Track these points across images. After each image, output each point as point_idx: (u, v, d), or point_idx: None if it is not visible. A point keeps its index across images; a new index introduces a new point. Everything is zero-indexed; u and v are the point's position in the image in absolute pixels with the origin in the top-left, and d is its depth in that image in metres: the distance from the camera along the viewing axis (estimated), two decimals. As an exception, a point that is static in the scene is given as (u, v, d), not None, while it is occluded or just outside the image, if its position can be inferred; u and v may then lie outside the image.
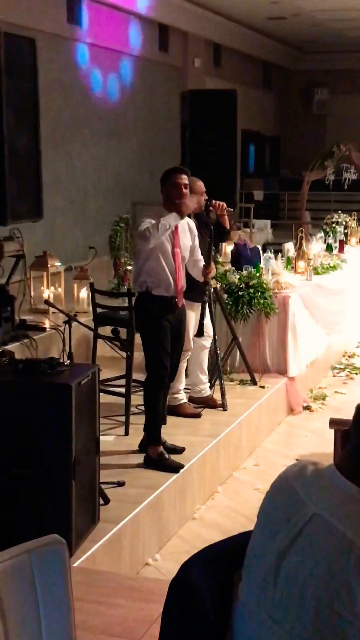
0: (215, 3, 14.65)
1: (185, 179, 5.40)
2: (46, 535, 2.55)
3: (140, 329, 5.56)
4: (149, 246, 5.24)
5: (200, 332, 6.27)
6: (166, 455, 5.42)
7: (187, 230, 5.62)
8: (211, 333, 6.63)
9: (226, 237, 6.84)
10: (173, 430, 6.01)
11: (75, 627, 2.63)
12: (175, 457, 5.49)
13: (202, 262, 5.88)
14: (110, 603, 3.87)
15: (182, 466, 5.40)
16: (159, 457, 5.39)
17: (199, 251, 5.82)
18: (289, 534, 2.10)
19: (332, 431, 3.93)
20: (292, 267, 8.77)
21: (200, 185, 6.21)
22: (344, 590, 1.97)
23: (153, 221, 5.22)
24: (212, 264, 6.07)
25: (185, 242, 5.59)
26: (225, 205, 6.36)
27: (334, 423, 3.86)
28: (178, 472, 5.35)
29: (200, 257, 5.88)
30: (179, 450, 5.63)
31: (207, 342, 6.61)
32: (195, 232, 5.74)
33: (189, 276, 5.77)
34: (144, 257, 5.37)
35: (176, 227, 5.42)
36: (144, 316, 5.46)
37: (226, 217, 6.41)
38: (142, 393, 6.04)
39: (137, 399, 6.16)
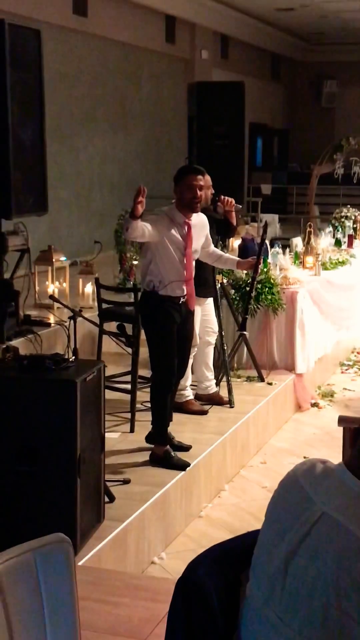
0: (223, -6, 14.67)
1: (201, 180, 5.29)
2: (51, 533, 2.55)
3: (146, 328, 5.52)
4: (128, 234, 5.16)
5: (242, 326, 6.44)
6: (172, 454, 5.42)
7: (200, 227, 5.51)
8: (217, 329, 6.63)
9: (232, 233, 6.83)
10: (179, 427, 6.01)
11: (80, 627, 2.64)
12: (181, 455, 5.50)
13: (225, 254, 5.94)
14: (115, 602, 3.87)
15: (188, 464, 5.40)
16: (165, 455, 5.40)
17: (212, 244, 5.80)
18: (298, 533, 2.10)
19: (341, 429, 3.93)
20: (301, 262, 8.76)
21: (207, 178, 6.19)
22: (352, 591, 1.97)
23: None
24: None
25: (199, 239, 5.51)
26: (233, 201, 6.34)
27: (342, 421, 3.85)
28: (184, 470, 5.35)
29: (216, 249, 5.89)
30: (186, 448, 5.63)
31: (212, 338, 6.61)
32: (208, 228, 5.69)
33: (196, 271, 5.76)
34: (150, 256, 5.32)
35: (189, 226, 5.35)
36: (150, 317, 5.42)
37: (234, 213, 6.40)
38: (148, 389, 6.04)
39: (143, 395, 6.16)
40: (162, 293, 5.31)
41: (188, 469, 5.38)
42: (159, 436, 5.47)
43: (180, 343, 5.42)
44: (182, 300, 5.36)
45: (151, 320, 5.40)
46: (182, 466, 5.38)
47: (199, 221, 5.50)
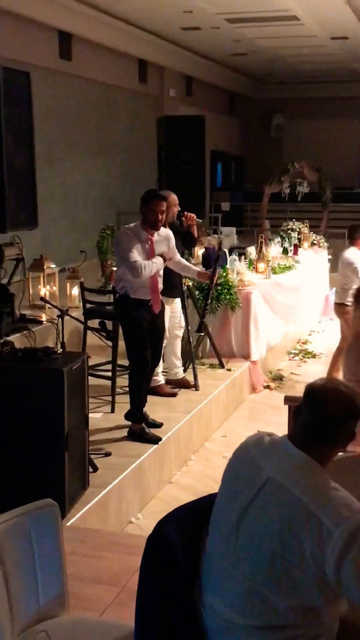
0: (187, 41, 14.58)
1: (163, 205, 5.25)
2: (43, 499, 2.55)
3: (122, 326, 5.46)
4: (139, 279, 5.18)
5: (199, 328, 6.42)
6: (147, 430, 5.42)
7: (164, 240, 5.48)
8: (184, 324, 6.63)
9: (194, 243, 6.82)
10: (153, 408, 6.00)
11: (68, 577, 2.63)
12: (154, 431, 5.49)
13: (188, 264, 5.96)
14: (98, 556, 3.86)
15: (160, 438, 5.40)
16: (141, 432, 5.39)
17: (177, 254, 5.78)
18: (249, 494, 2.11)
19: (287, 407, 3.94)
20: (254, 268, 8.76)
21: (174, 198, 6.18)
22: (294, 542, 1.99)
23: (137, 255, 5.14)
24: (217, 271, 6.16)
25: (162, 251, 5.48)
26: (195, 216, 6.35)
27: (288, 400, 3.87)
28: (157, 443, 5.35)
29: (182, 259, 5.87)
30: (158, 425, 5.62)
31: (180, 332, 6.60)
32: (173, 241, 5.66)
33: (165, 275, 5.75)
34: (124, 267, 5.28)
35: (152, 242, 5.33)
36: (124, 317, 5.37)
37: (195, 226, 6.40)
38: (126, 376, 6.02)
39: (122, 381, 6.14)
40: (134, 296, 5.29)
41: (160, 442, 5.37)
42: (136, 415, 5.45)
43: (153, 337, 5.41)
44: (150, 302, 5.35)
45: (125, 318, 5.36)
46: (155, 440, 5.37)
47: (164, 235, 5.48)
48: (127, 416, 5.52)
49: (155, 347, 5.44)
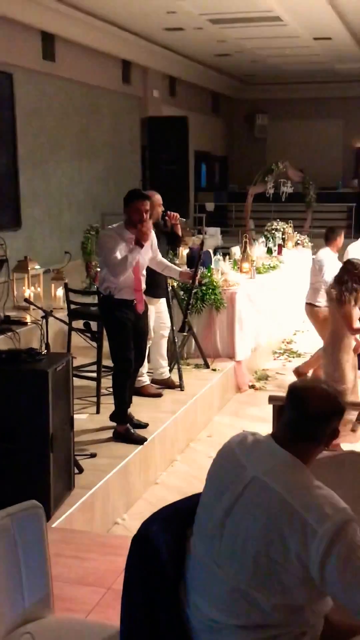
0: (171, 42, 14.59)
1: (147, 204, 5.23)
2: (27, 500, 2.54)
3: (105, 326, 5.46)
4: (119, 279, 5.18)
5: (182, 328, 6.38)
6: (132, 430, 5.41)
7: (149, 241, 5.46)
8: (169, 324, 6.63)
9: (179, 242, 6.83)
10: (138, 408, 5.99)
11: (53, 578, 2.62)
12: (139, 431, 5.48)
13: (170, 264, 5.92)
14: (84, 557, 3.86)
15: (145, 439, 5.39)
16: (126, 432, 5.38)
17: (159, 254, 5.78)
18: (233, 494, 2.11)
19: (272, 406, 3.94)
20: (238, 268, 8.77)
21: (157, 197, 6.18)
22: (278, 541, 1.99)
23: (119, 256, 5.12)
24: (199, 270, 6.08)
25: (145, 255, 5.46)
26: (178, 215, 6.36)
27: (272, 399, 3.87)
28: (142, 444, 5.34)
29: (164, 259, 5.87)
30: (143, 426, 5.62)
31: (165, 332, 6.60)
32: (156, 241, 5.66)
33: (149, 276, 5.75)
34: (107, 268, 5.26)
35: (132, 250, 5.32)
36: (108, 317, 5.35)
37: (179, 225, 6.41)
38: (110, 377, 6.01)
39: (107, 382, 6.12)
40: (117, 297, 5.28)
41: (145, 442, 5.37)
42: (120, 416, 5.44)
43: (137, 338, 5.40)
44: (134, 302, 5.34)
45: (110, 319, 5.35)
46: (141, 441, 5.36)
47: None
48: (112, 417, 5.51)
49: (139, 347, 5.44)
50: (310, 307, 7.55)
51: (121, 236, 5.24)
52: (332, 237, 7.62)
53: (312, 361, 7.56)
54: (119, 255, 5.16)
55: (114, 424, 5.48)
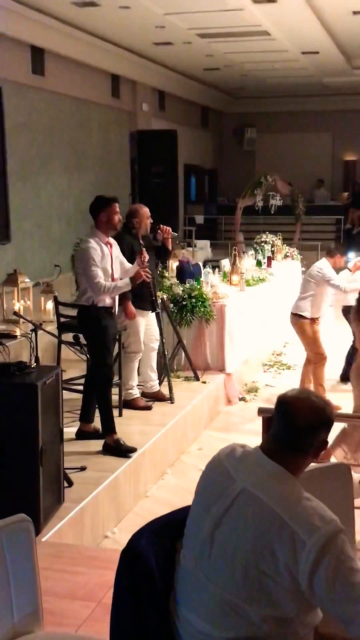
0: (160, 56, 14.67)
1: (118, 207, 5.38)
2: (16, 514, 2.53)
3: (88, 336, 5.41)
4: (100, 297, 5.27)
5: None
6: (121, 442, 5.39)
7: (116, 245, 5.56)
8: (159, 337, 6.63)
9: (168, 256, 6.85)
10: (128, 421, 5.99)
11: (43, 592, 2.61)
12: (132, 443, 5.46)
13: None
14: (74, 571, 3.84)
15: (135, 449, 5.38)
16: (116, 444, 5.37)
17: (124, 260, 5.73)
18: (222, 506, 2.11)
19: (261, 418, 3.94)
20: (228, 280, 8.80)
21: (146, 210, 6.21)
22: (268, 552, 1.99)
23: (103, 282, 5.22)
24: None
25: (119, 256, 5.57)
26: (170, 229, 6.38)
27: (262, 411, 3.87)
28: (134, 452, 5.33)
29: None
30: (132, 450, 5.49)
31: (155, 344, 6.61)
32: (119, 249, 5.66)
33: (138, 289, 5.77)
34: (87, 279, 5.31)
35: (111, 245, 5.42)
36: (93, 325, 5.35)
37: (170, 239, 6.43)
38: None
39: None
40: (100, 305, 5.33)
41: (135, 455, 5.34)
42: (109, 426, 5.41)
43: (113, 345, 5.50)
44: (112, 309, 5.43)
45: (93, 329, 5.34)
46: (132, 450, 5.35)
47: (113, 240, 5.55)
48: (79, 434, 5.52)
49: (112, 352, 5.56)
50: (297, 317, 7.40)
51: (100, 243, 5.33)
52: (336, 253, 7.36)
53: (306, 374, 7.55)
54: (99, 272, 5.24)
55: (77, 436, 5.52)
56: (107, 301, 5.38)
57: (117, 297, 5.49)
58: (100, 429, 5.55)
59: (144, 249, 5.71)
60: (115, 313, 5.49)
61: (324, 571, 1.94)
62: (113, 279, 5.39)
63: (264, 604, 2.01)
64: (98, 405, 5.47)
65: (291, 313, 7.53)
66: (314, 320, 7.34)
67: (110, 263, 5.39)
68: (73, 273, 8.80)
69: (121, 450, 5.32)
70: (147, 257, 5.66)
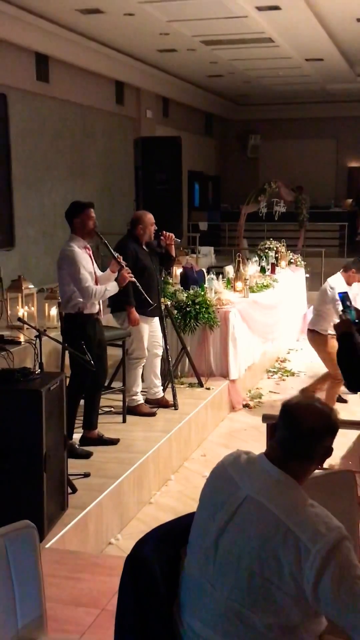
0: (164, 63, 14.71)
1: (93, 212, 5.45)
2: (20, 520, 2.52)
3: (72, 344, 5.24)
4: (89, 302, 5.31)
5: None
6: (103, 435, 5.57)
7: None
8: (162, 343, 6.63)
9: (172, 263, 6.84)
10: (132, 427, 5.99)
11: (47, 599, 2.60)
12: (135, 449, 5.48)
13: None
14: (77, 578, 3.83)
15: (117, 440, 5.56)
16: (98, 438, 5.54)
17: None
18: (226, 513, 2.11)
19: (265, 425, 3.94)
20: (232, 287, 8.79)
21: (150, 217, 6.22)
22: (272, 560, 1.98)
23: (93, 286, 5.25)
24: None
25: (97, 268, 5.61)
26: (173, 236, 6.38)
27: (266, 418, 3.87)
28: (116, 443, 5.52)
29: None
30: (115, 442, 5.62)
31: (159, 351, 6.60)
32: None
33: (141, 295, 5.78)
34: (76, 287, 5.30)
35: (90, 249, 5.46)
36: (80, 334, 5.29)
37: (173, 246, 6.44)
38: (106, 396, 6.02)
39: (101, 401, 6.12)
40: (87, 312, 5.34)
41: (139, 462, 5.34)
42: (91, 422, 5.56)
43: (102, 351, 5.50)
44: (97, 315, 5.46)
45: (81, 336, 5.26)
46: (113, 441, 5.51)
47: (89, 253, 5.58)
48: (83, 441, 5.55)
49: (103, 361, 5.53)
50: (314, 333, 7.22)
51: (82, 249, 5.37)
52: (351, 267, 7.13)
53: (317, 383, 7.48)
54: (88, 276, 5.27)
55: (105, 444, 5.53)
56: (94, 308, 5.40)
57: (101, 303, 5.53)
58: (104, 435, 5.58)
59: (119, 256, 5.58)
60: (100, 319, 5.51)
61: (329, 578, 1.93)
62: (97, 283, 5.41)
63: (268, 611, 2.00)
64: (87, 404, 5.56)
65: (308, 329, 7.40)
66: (332, 336, 6.97)
67: (92, 267, 5.43)
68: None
69: (102, 442, 5.50)
70: (122, 260, 5.56)
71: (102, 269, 5.68)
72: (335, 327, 3.72)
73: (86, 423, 5.58)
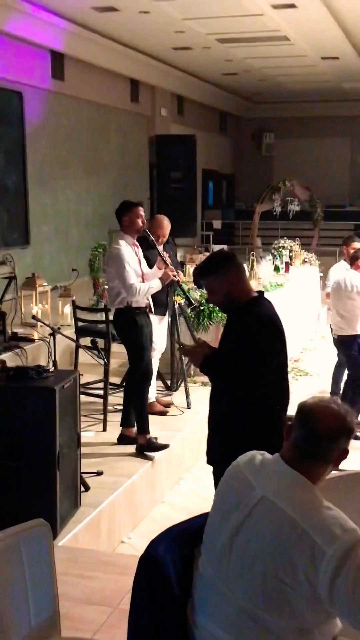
0: (179, 61, 14.69)
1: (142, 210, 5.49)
2: (34, 518, 2.53)
3: (125, 337, 5.50)
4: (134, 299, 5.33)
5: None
6: (154, 439, 5.48)
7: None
8: (162, 348, 6.57)
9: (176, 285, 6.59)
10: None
11: (59, 597, 2.60)
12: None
13: None
14: (90, 576, 3.83)
15: (167, 445, 5.51)
16: (149, 443, 5.44)
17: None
18: (241, 514, 2.10)
19: (280, 425, 3.91)
20: (246, 285, 8.75)
21: (168, 222, 6.20)
22: (287, 561, 1.97)
23: (137, 284, 5.27)
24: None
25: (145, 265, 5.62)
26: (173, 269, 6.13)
27: (281, 418, 3.83)
28: (166, 449, 5.49)
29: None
30: (165, 446, 5.59)
31: (156, 354, 6.47)
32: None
33: (154, 294, 5.78)
34: (121, 281, 5.32)
35: (138, 246, 5.49)
36: (130, 326, 5.39)
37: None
38: (118, 394, 6.02)
39: (114, 399, 6.12)
40: (135, 306, 5.36)
41: (152, 461, 5.34)
42: (142, 425, 5.46)
43: (149, 343, 5.52)
44: (147, 309, 5.48)
45: (130, 329, 5.39)
46: (163, 447, 5.47)
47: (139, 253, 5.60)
48: (138, 431, 5.49)
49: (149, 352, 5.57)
50: (343, 339, 6.96)
51: (129, 245, 5.41)
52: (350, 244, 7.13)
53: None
54: (133, 275, 5.30)
55: (119, 441, 5.49)
56: (141, 302, 5.43)
57: (150, 297, 5.55)
58: (156, 438, 5.61)
59: (165, 253, 5.72)
60: (149, 312, 5.54)
61: (344, 581, 1.92)
62: (143, 280, 5.44)
63: (282, 613, 1.99)
64: (134, 405, 5.52)
65: (338, 336, 7.08)
66: None
67: (139, 265, 5.47)
68: (91, 277, 8.81)
69: (154, 448, 5.41)
70: (167, 257, 5.66)
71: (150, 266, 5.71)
72: None
73: (139, 428, 5.51)
